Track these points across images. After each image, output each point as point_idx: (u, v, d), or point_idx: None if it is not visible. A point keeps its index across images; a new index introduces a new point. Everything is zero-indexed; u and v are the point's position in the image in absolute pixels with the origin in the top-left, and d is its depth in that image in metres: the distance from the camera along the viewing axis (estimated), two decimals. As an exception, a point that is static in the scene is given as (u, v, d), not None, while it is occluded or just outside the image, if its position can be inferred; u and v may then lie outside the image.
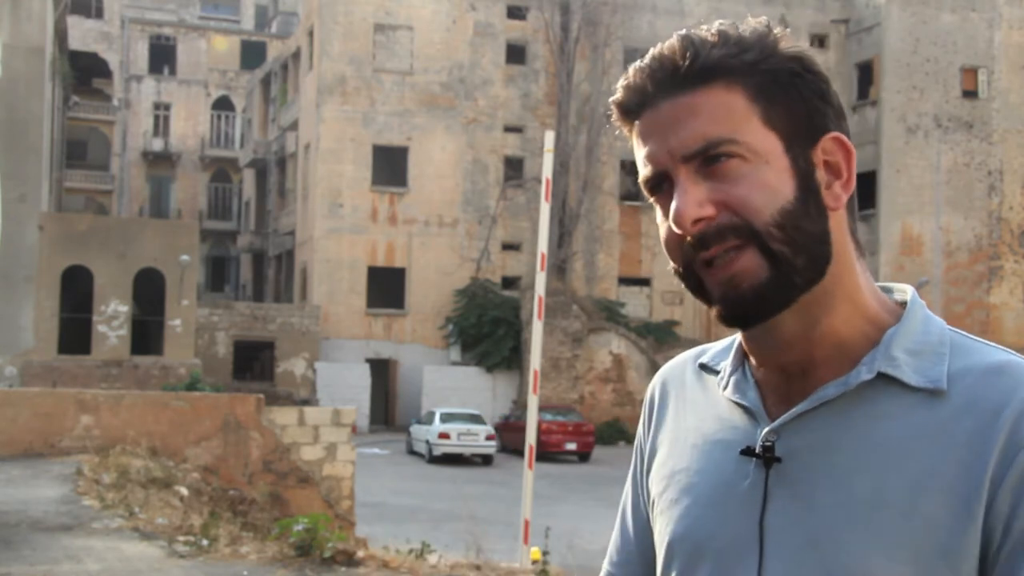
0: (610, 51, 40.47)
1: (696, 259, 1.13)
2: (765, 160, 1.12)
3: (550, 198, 11.43)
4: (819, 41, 43.81)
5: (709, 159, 1.12)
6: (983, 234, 41.25)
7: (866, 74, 42.46)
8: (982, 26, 41.53)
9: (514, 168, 40.99)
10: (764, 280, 1.11)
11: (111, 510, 11.15)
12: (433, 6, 40.44)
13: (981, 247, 41.20)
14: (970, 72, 41.44)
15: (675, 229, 1.13)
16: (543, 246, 11.32)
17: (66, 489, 12.23)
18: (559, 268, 38.74)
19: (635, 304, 40.78)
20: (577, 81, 40.56)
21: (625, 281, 41.16)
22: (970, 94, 41.44)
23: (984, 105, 41.52)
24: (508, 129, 41.10)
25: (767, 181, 1.11)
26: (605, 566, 1.40)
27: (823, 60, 43.28)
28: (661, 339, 38.33)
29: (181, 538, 9.93)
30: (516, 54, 41.49)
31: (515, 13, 41.41)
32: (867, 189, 41.34)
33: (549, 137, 11.60)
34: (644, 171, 1.17)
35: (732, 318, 1.14)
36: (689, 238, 1.12)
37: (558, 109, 40.58)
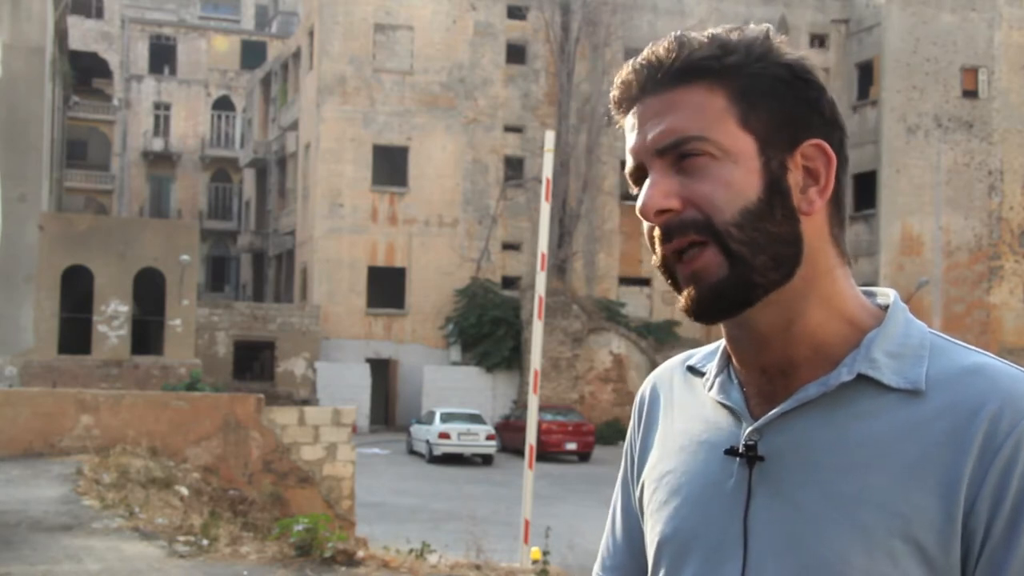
0: (610, 51, 40.46)
1: (666, 250, 1.17)
2: (734, 160, 1.14)
3: (550, 198, 11.43)
4: (819, 41, 43.79)
5: (681, 155, 1.15)
6: (983, 234, 41.23)
7: (866, 74, 42.44)
8: (982, 26, 41.51)
9: (514, 168, 40.98)
10: (723, 278, 1.14)
11: (111, 510, 11.15)
12: (433, 6, 40.44)
13: (981, 247, 41.19)
14: (970, 72, 41.42)
15: (641, 219, 1.17)
16: (543, 246, 11.32)
17: (66, 489, 12.23)
18: (559, 268, 38.72)
19: (635, 304, 40.77)
20: (577, 81, 40.56)
21: (625, 281, 41.16)
22: (970, 94, 41.42)
23: (984, 105, 41.51)
24: (508, 129, 41.09)
25: (732, 180, 1.14)
26: (596, 570, 1.40)
27: (823, 60, 43.29)
28: (661, 339, 38.32)
29: (181, 538, 9.93)
30: (516, 54, 41.48)
31: (515, 13, 41.39)
32: (867, 189, 41.34)
33: (549, 137, 11.60)
34: (628, 163, 1.21)
35: (695, 312, 1.17)
36: (656, 229, 1.16)
37: (558, 109, 40.57)
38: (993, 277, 41.28)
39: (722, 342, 1.28)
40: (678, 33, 1.19)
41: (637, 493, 1.33)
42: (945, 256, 40.77)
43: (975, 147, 41.26)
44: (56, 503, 11.35)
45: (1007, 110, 41.65)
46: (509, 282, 40.11)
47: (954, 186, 41.05)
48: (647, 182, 1.16)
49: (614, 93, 1.22)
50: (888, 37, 41.10)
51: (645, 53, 1.19)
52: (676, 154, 1.15)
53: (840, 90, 43.18)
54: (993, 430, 1.08)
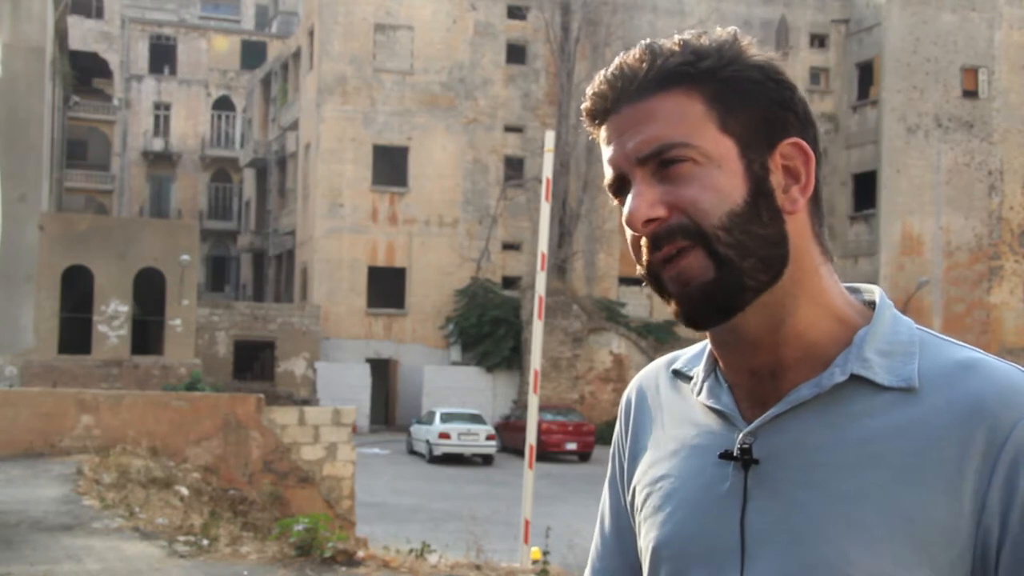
0: (610, 51, 40.42)
1: (654, 258, 1.16)
2: (718, 164, 1.14)
3: (550, 198, 11.43)
4: (819, 41, 43.79)
5: (664, 162, 1.15)
6: (983, 234, 41.24)
7: (866, 74, 42.45)
8: (982, 26, 41.52)
9: (514, 168, 40.99)
10: (711, 281, 1.14)
11: (111, 510, 11.15)
12: (433, 6, 40.44)
13: (981, 247, 41.20)
14: (970, 72, 41.43)
15: (628, 230, 1.17)
16: (543, 246, 11.31)
17: (66, 489, 12.23)
18: (559, 268, 38.73)
19: (635, 304, 40.76)
20: (577, 81, 40.55)
21: (625, 281, 41.15)
22: (970, 94, 41.42)
23: (984, 105, 41.51)
24: (508, 129, 41.10)
25: (717, 184, 1.14)
26: (587, 573, 1.41)
27: (823, 60, 43.32)
28: (661, 339, 38.32)
29: (181, 538, 9.93)
30: (516, 54, 41.48)
31: (515, 13, 41.40)
32: (867, 189, 41.35)
33: (549, 137, 11.60)
34: (607, 175, 1.20)
35: (686, 316, 1.17)
36: (643, 239, 1.16)
37: (558, 109, 40.57)
38: (993, 277, 41.28)
39: (707, 343, 1.27)
40: (647, 41, 1.19)
41: (628, 497, 1.33)
42: (945, 256, 40.77)
43: (975, 147, 41.26)
44: (56, 503, 11.35)
45: (1007, 110, 41.65)
46: (509, 282, 40.12)
47: (954, 186, 41.05)
48: (631, 192, 1.16)
49: (587, 105, 1.21)
50: (888, 37, 41.10)
51: (616, 63, 1.19)
52: (658, 162, 1.15)
53: (840, 90, 43.20)
54: (995, 426, 1.09)
